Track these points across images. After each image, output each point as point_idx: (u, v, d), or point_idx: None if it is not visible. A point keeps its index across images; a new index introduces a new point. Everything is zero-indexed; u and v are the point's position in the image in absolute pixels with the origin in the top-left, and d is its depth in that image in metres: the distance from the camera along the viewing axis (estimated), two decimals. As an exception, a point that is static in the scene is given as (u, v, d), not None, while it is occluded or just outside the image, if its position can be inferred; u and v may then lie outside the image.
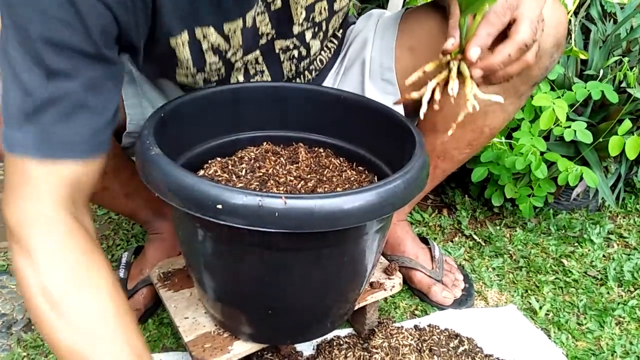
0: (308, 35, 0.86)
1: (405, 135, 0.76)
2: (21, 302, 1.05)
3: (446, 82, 0.62)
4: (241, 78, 0.86)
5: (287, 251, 0.67)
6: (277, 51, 0.85)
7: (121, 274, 1.01)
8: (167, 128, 0.73)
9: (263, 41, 0.81)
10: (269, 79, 0.88)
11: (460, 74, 0.61)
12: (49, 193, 0.62)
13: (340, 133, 0.88)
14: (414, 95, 0.63)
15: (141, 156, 0.66)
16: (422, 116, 0.61)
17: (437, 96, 0.61)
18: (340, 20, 0.93)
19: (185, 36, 0.72)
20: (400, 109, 0.96)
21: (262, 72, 0.87)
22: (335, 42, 0.97)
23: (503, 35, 0.62)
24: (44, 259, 0.61)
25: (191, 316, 0.83)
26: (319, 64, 0.95)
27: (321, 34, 0.88)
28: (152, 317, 1.02)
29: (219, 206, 0.58)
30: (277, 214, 0.58)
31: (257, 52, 0.83)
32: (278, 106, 0.88)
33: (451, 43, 0.61)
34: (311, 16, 0.83)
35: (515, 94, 0.90)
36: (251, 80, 0.87)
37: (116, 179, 0.93)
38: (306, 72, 0.93)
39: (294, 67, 0.90)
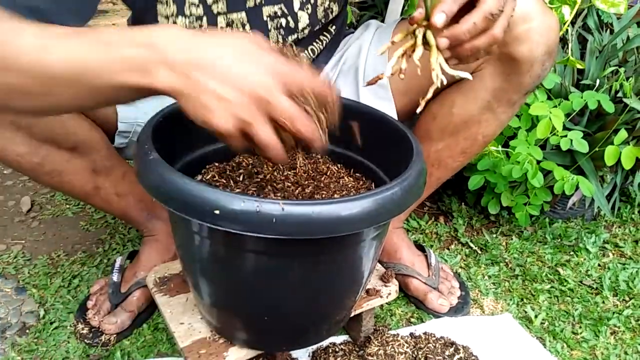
0: (296, 4, 0.86)
1: (402, 142, 0.77)
2: (16, 306, 1.04)
3: (413, 50, 0.61)
4: None
5: (284, 257, 0.67)
6: (264, 18, 0.84)
7: (115, 278, 1.01)
8: (165, 133, 0.73)
9: (250, 4, 0.81)
10: None
11: (427, 43, 0.60)
12: None
13: (338, 139, 0.88)
14: (387, 72, 0.62)
15: (139, 160, 0.66)
16: (418, 111, 0.61)
17: (404, 65, 0.61)
18: (329, 2, 0.93)
19: None
20: (393, 114, 0.97)
21: None
22: (328, 35, 0.97)
23: (471, 8, 0.61)
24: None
25: (187, 322, 0.82)
26: (309, 52, 0.94)
27: (309, 6, 0.88)
28: (147, 322, 1.01)
29: (217, 211, 0.58)
30: (274, 220, 0.58)
31: (243, 13, 0.82)
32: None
33: (419, 12, 0.60)
34: None
35: (508, 102, 0.91)
36: None
37: (108, 178, 0.94)
38: (293, 45, 0.93)
39: (280, 39, 0.89)
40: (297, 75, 0.54)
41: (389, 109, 0.96)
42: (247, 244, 0.65)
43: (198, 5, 0.78)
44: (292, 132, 0.54)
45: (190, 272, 0.76)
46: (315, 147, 0.57)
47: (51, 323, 1.01)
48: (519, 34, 0.81)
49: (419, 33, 0.60)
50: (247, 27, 0.84)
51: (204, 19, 0.81)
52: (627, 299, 1.13)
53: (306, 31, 0.92)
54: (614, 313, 1.08)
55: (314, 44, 0.95)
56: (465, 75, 0.60)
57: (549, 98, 1.22)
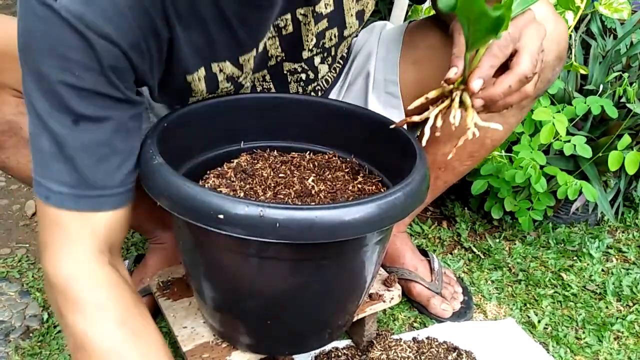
0: (317, 60, 0.87)
1: (406, 147, 0.77)
2: (20, 310, 1.05)
3: (447, 108, 0.63)
4: None
5: (287, 262, 0.68)
6: (285, 72, 0.86)
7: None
8: (169, 137, 0.74)
9: (272, 62, 0.82)
10: None
11: (462, 103, 0.62)
12: (89, 246, 0.64)
13: (341, 144, 0.89)
14: (415, 118, 0.65)
15: (144, 165, 0.67)
16: (424, 144, 0.63)
17: (439, 123, 0.62)
18: (349, 45, 0.93)
19: (202, 72, 0.73)
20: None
21: (269, 89, 0.88)
22: (342, 62, 0.98)
23: (505, 66, 0.63)
24: (94, 311, 0.63)
25: (190, 326, 0.83)
26: (324, 83, 0.95)
27: (330, 58, 0.89)
28: (150, 326, 1.02)
29: (221, 216, 0.58)
30: (277, 225, 0.58)
31: (265, 71, 0.84)
32: (279, 117, 0.88)
33: (454, 72, 0.61)
34: (321, 42, 0.83)
35: (518, 106, 0.91)
36: None
37: None
38: (312, 93, 0.94)
39: (300, 89, 0.91)
40: None
41: (400, 118, 0.97)
42: (251, 248, 0.65)
43: (230, 87, 0.79)
44: None
45: (193, 276, 0.76)
46: None
47: (55, 326, 1.01)
48: None
49: (456, 96, 0.62)
50: (268, 77, 0.85)
51: (232, 89, 0.82)
52: (630, 304, 1.13)
53: (324, 76, 0.94)
54: (617, 318, 1.08)
55: (329, 74, 0.95)
56: (496, 126, 0.61)
57: (552, 103, 1.22)
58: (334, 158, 0.88)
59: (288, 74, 0.86)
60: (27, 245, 1.24)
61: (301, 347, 0.83)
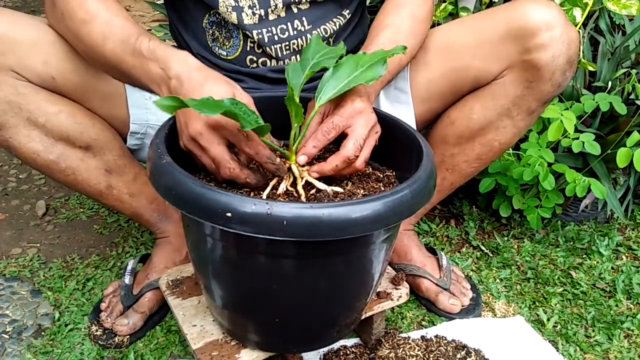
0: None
1: (413, 145, 0.77)
2: (31, 309, 1.06)
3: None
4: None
5: (295, 259, 0.68)
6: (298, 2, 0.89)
7: (127, 280, 1.02)
8: (178, 136, 0.74)
9: None
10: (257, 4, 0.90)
11: (292, 173, 0.73)
12: None
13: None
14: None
15: (153, 164, 0.67)
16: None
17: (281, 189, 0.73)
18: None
19: None
20: (412, 120, 0.97)
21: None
22: (342, 19, 0.97)
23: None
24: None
25: (199, 324, 0.83)
26: (322, 32, 0.94)
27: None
28: (160, 324, 1.02)
29: (229, 214, 0.59)
30: (285, 222, 0.58)
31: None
32: (288, 116, 0.88)
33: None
34: None
35: (527, 110, 0.91)
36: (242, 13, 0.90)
37: (120, 178, 0.96)
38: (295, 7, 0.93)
39: (280, 3, 0.90)
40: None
41: (408, 114, 0.97)
42: (259, 246, 0.66)
43: None
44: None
45: (202, 274, 0.77)
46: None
47: (66, 325, 1.02)
48: (542, 42, 0.84)
49: (294, 168, 0.73)
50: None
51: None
52: (640, 302, 1.12)
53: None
54: (627, 316, 1.08)
55: (327, 24, 0.95)
56: (323, 187, 0.73)
57: (560, 100, 1.22)
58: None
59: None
60: (38, 245, 1.26)
61: (309, 345, 0.83)
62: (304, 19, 0.92)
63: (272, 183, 0.73)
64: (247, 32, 0.91)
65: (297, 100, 0.70)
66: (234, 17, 0.90)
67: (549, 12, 0.84)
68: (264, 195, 0.71)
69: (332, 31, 0.95)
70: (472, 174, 1.03)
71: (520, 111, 0.92)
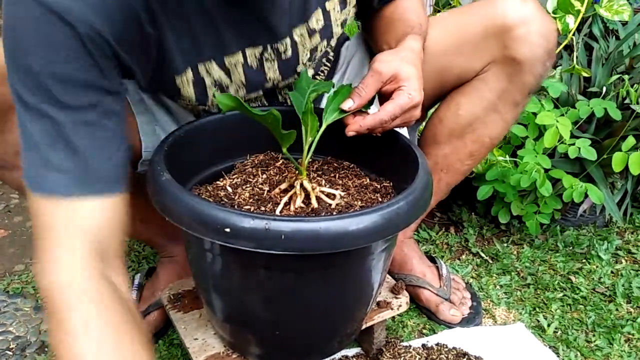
0: (309, 72, 0.89)
1: (408, 155, 0.78)
2: (35, 325, 1.06)
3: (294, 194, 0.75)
4: None
5: (294, 272, 0.69)
6: (278, 89, 0.88)
7: (133, 296, 1.02)
8: (177, 153, 0.75)
9: (269, 85, 0.84)
10: None
11: (305, 188, 0.75)
12: (79, 250, 0.63)
13: (343, 153, 0.90)
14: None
15: (152, 181, 0.68)
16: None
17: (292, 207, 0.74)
18: (333, 47, 0.95)
19: (189, 74, 0.75)
20: (404, 131, 0.98)
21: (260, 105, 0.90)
22: (329, 65, 0.98)
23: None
24: (79, 333, 0.60)
25: (201, 337, 0.84)
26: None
27: (314, 64, 0.92)
28: (162, 338, 1.03)
29: (227, 229, 0.60)
30: (283, 237, 0.59)
31: (260, 92, 0.86)
32: (284, 128, 0.89)
33: (348, 106, 0.75)
34: (313, 56, 0.86)
35: (513, 102, 0.93)
36: None
37: (132, 204, 0.95)
38: None
39: (289, 100, 0.91)
40: None
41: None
42: (258, 260, 0.67)
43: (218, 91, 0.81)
44: None
45: (203, 288, 0.78)
46: None
47: (69, 341, 1.03)
48: (519, 36, 0.85)
49: (297, 184, 0.75)
50: (263, 98, 0.88)
51: None
52: (641, 306, 1.13)
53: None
54: (627, 320, 1.08)
55: (316, 77, 0.96)
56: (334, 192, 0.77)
57: (555, 107, 1.23)
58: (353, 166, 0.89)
59: (282, 90, 0.89)
60: (41, 261, 1.26)
61: (311, 356, 0.84)
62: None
63: (284, 199, 0.74)
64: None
65: (313, 111, 0.72)
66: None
67: (524, 6, 0.85)
68: (277, 211, 0.72)
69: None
70: (467, 172, 1.04)
71: (506, 104, 0.93)
